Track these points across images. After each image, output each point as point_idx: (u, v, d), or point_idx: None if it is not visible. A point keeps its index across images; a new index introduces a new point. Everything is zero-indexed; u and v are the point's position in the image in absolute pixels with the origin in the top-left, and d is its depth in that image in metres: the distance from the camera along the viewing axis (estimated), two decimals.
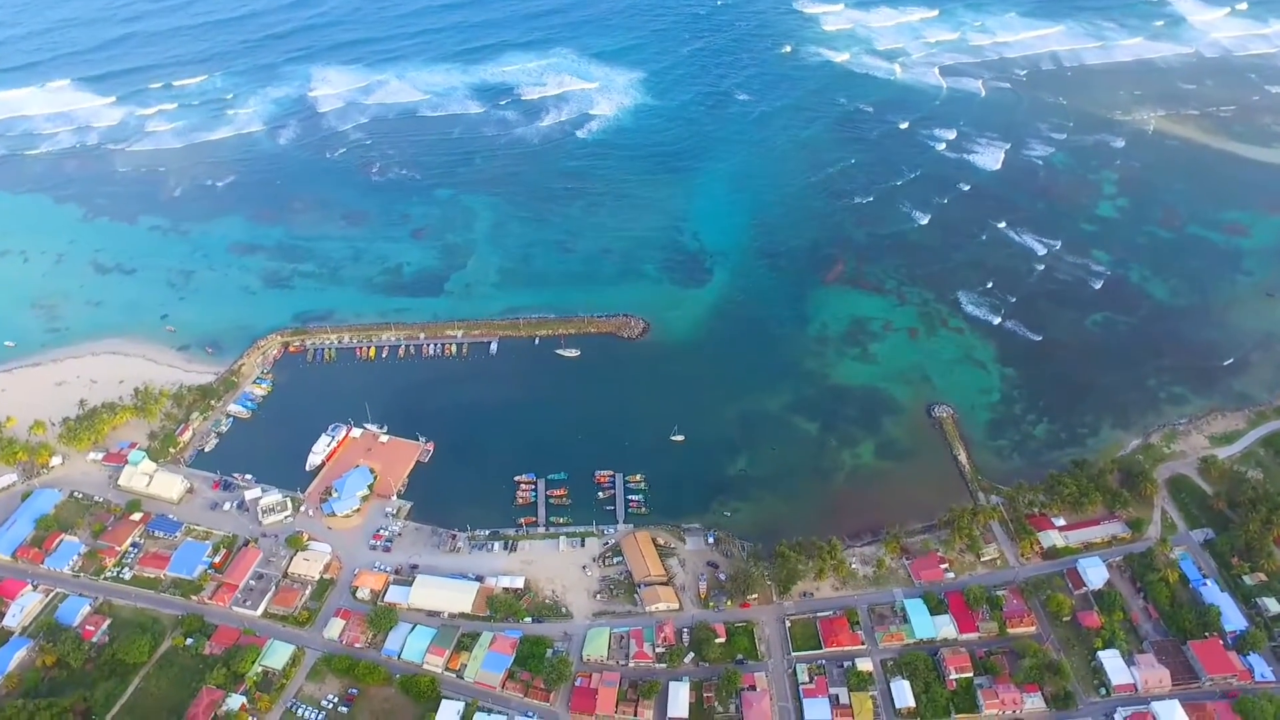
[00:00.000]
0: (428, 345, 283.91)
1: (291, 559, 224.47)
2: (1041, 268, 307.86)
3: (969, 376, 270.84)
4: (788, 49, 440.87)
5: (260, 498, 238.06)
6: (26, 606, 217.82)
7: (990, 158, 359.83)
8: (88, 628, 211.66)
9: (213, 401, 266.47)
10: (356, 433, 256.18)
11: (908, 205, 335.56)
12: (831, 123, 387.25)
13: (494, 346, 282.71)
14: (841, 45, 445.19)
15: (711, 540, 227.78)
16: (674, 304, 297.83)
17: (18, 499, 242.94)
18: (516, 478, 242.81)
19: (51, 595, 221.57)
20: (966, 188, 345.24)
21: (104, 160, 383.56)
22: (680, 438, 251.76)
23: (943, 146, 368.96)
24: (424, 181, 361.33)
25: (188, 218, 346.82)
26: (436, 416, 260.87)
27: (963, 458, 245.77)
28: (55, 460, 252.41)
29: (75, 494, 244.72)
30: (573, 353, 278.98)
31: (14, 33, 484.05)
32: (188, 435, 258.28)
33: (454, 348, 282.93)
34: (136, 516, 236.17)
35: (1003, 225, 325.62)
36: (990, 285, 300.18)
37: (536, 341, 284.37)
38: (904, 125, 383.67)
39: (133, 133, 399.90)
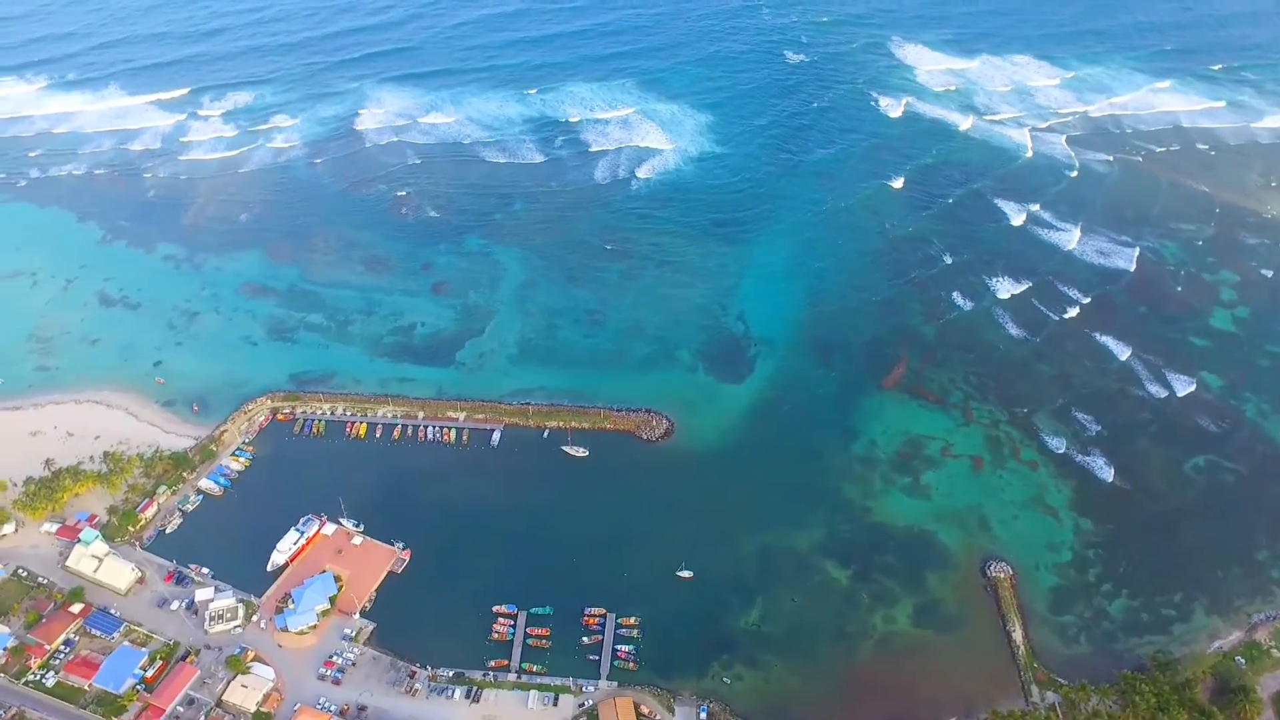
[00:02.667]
0: (425, 428, 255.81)
1: (229, 684, 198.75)
2: (1136, 389, 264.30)
3: (1037, 526, 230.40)
4: (876, 101, 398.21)
5: (211, 600, 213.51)
6: None
7: (1092, 246, 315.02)
8: None
9: (185, 473, 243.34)
10: (329, 529, 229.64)
11: (984, 292, 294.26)
12: (914, 192, 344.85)
13: (496, 436, 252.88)
14: (939, 101, 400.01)
15: (704, 715, 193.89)
16: (706, 401, 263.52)
17: None
18: (495, 608, 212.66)
19: None
20: (1051, 278, 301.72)
21: (136, 177, 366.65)
22: (688, 574, 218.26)
23: (1024, 219, 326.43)
24: (456, 225, 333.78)
25: (205, 248, 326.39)
26: (419, 518, 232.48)
27: (1018, 635, 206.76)
28: (7, 527, 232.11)
29: (19, 571, 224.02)
30: (581, 452, 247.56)
31: (86, 44, 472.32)
32: (150, 512, 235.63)
33: (453, 433, 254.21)
34: (76, 608, 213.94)
35: (1094, 331, 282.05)
36: (1073, 407, 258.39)
37: (545, 434, 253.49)
38: (978, 189, 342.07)
39: (171, 148, 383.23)
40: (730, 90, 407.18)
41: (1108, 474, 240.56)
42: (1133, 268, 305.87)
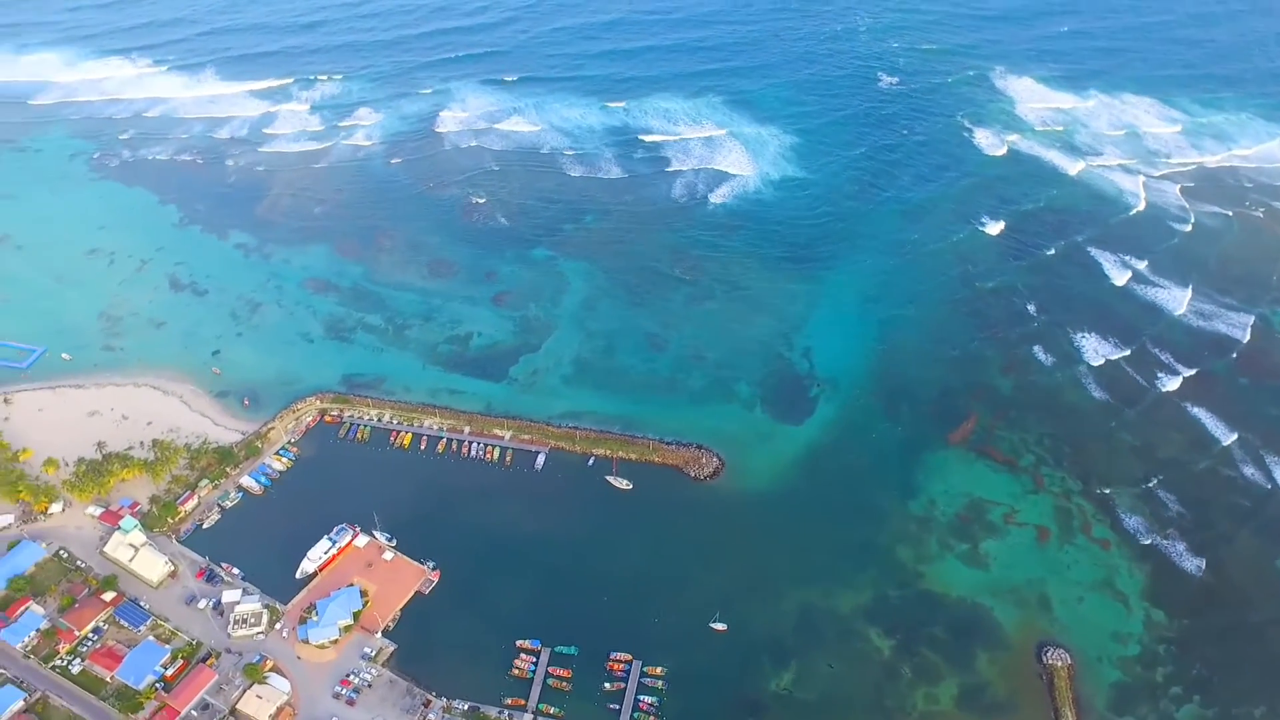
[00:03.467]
0: (470, 444, 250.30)
1: (244, 693, 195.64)
2: (1233, 474, 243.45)
3: (1103, 612, 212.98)
4: (975, 137, 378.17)
5: (237, 603, 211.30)
6: None
7: (1200, 311, 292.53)
8: None
9: (228, 468, 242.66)
10: (362, 541, 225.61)
11: (1073, 353, 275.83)
12: (1009, 239, 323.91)
13: (541, 459, 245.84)
14: (1044, 141, 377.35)
15: None
16: (760, 441, 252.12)
17: (4, 547, 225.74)
18: (519, 642, 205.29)
19: None
20: (1147, 339, 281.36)
21: (219, 163, 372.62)
22: (722, 627, 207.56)
23: (1127, 278, 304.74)
24: (524, 234, 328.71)
25: (276, 239, 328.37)
26: (453, 538, 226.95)
27: None
28: (55, 507, 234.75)
29: (61, 552, 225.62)
30: (625, 484, 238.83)
31: (191, 30, 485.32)
32: (190, 505, 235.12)
33: (497, 452, 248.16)
34: (108, 596, 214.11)
35: (1193, 405, 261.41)
36: (1158, 486, 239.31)
37: (590, 462, 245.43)
38: (1080, 241, 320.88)
39: (255, 137, 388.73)
40: (820, 116, 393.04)
41: (1190, 564, 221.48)
42: (1245, 338, 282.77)
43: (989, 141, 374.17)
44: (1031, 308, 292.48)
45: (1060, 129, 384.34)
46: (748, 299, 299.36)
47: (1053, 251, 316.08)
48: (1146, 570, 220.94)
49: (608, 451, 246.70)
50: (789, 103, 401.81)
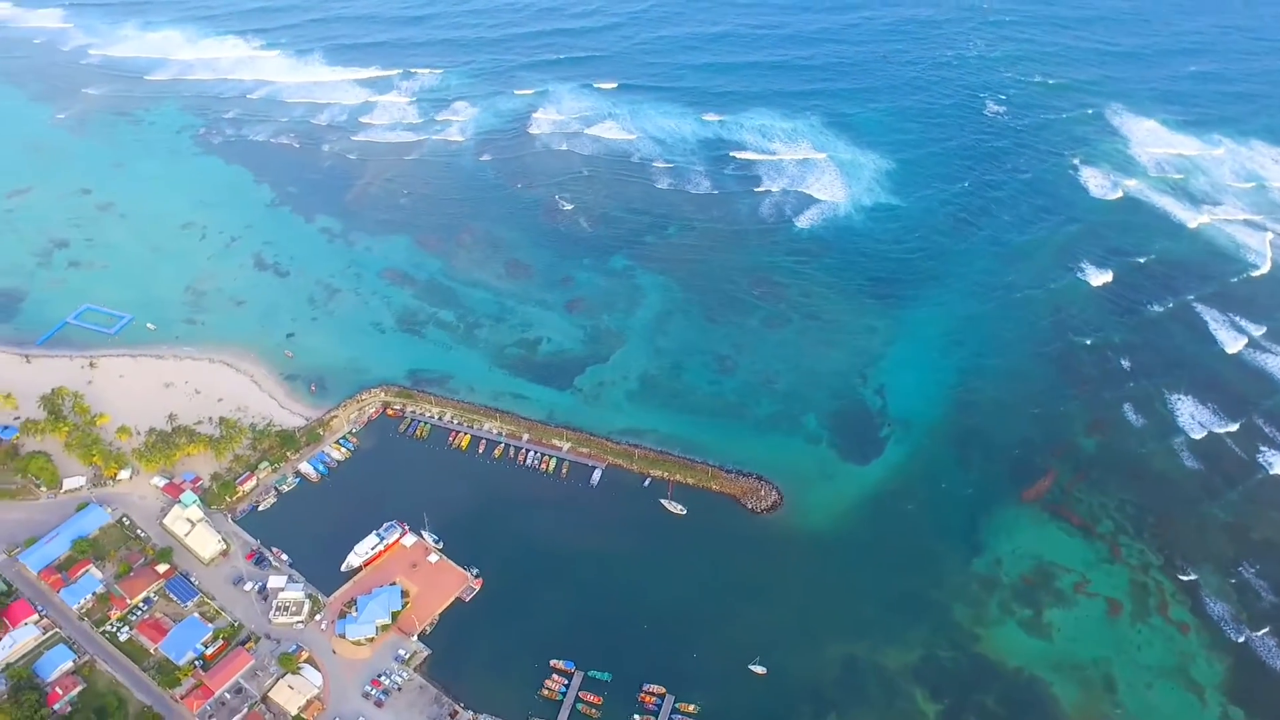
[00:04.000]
0: (527, 452, 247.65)
1: (276, 681, 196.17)
2: None
3: (1174, 702, 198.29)
4: (1086, 179, 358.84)
5: (281, 589, 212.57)
6: (19, 641, 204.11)
7: None
8: (57, 689, 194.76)
9: (289, 453, 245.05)
10: (409, 540, 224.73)
11: (1168, 419, 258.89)
12: (1114, 292, 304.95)
13: (597, 475, 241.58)
14: (1163, 188, 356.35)
15: None
16: (823, 478, 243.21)
17: (72, 509, 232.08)
18: (553, 662, 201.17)
19: (48, 635, 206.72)
20: (1257, 413, 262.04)
21: (315, 147, 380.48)
22: (761, 670, 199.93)
23: (1241, 344, 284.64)
24: (605, 241, 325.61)
25: (359, 226, 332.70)
26: (500, 546, 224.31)
27: None
28: (124, 474, 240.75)
29: (124, 519, 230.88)
30: (679, 509, 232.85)
31: (304, 16, 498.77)
32: (249, 485, 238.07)
33: (553, 463, 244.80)
34: (162, 568, 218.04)
35: None
36: (1250, 571, 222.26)
37: (647, 483, 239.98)
38: (1191, 299, 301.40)
39: (352, 124, 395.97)
40: (922, 145, 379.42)
41: (1277, 659, 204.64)
42: None
43: (1100, 185, 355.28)
44: (1127, 365, 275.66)
45: (1180, 176, 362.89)
46: (825, 328, 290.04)
47: (1159, 309, 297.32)
48: (1229, 662, 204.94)
49: (665, 474, 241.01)
50: (890, 129, 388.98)
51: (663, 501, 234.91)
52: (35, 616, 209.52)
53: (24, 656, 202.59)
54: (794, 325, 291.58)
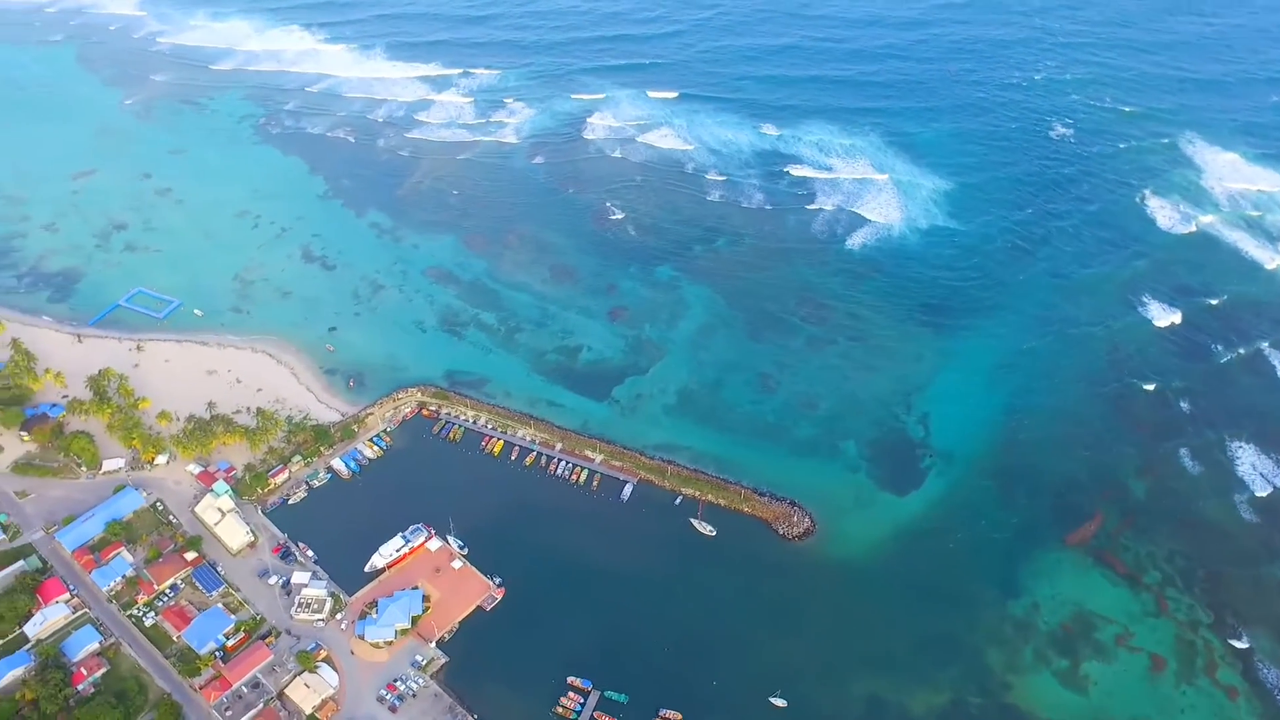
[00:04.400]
0: (559, 461, 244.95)
1: (293, 678, 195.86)
2: None
3: None
4: (1155, 212, 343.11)
5: (305, 585, 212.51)
6: (50, 619, 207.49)
7: None
8: (82, 670, 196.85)
9: (322, 448, 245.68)
10: (434, 544, 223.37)
11: (1229, 469, 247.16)
12: (1180, 335, 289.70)
13: (628, 490, 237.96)
14: (1241, 226, 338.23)
15: None
16: (858, 507, 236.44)
17: (110, 490, 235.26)
18: (571, 679, 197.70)
19: (77, 615, 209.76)
20: None
21: (371, 141, 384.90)
22: (781, 703, 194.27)
23: None
24: (652, 250, 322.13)
25: (408, 223, 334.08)
26: (525, 557, 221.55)
27: None
28: (161, 459, 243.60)
29: (157, 504, 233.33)
30: (709, 530, 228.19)
31: (371, 12, 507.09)
32: (281, 478, 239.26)
33: (584, 475, 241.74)
34: (190, 556, 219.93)
35: None
36: None
37: (678, 501, 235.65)
38: (1264, 346, 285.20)
39: (409, 120, 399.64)
40: (984, 169, 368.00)
41: None
42: None
43: (1171, 218, 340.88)
44: (1188, 410, 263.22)
45: (1258, 213, 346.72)
46: (871, 351, 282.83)
47: (1228, 354, 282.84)
48: None
49: (697, 493, 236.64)
50: (951, 150, 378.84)
51: (693, 521, 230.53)
52: (67, 595, 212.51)
53: (54, 634, 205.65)
54: (839, 347, 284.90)
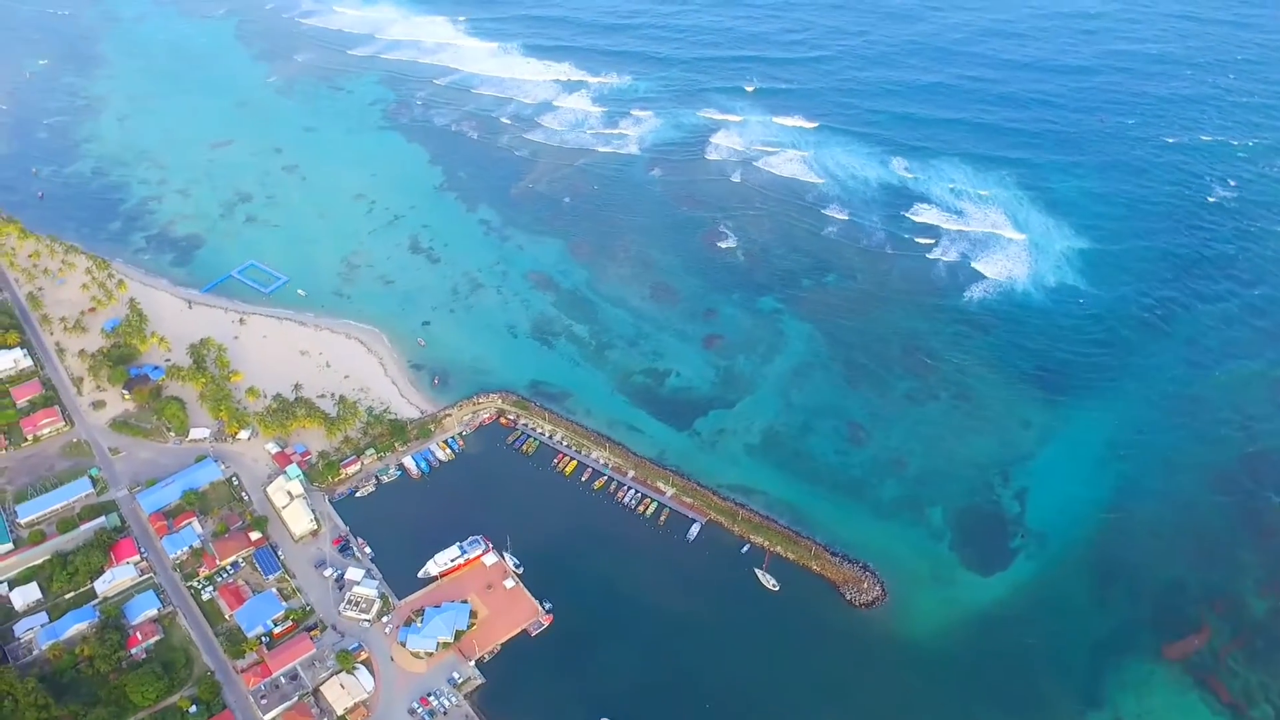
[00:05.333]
0: (629, 489, 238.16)
1: (330, 677, 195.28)
2: None
3: None
4: None
5: (357, 583, 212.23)
6: (118, 579, 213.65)
7: None
8: (138, 634, 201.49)
9: (397, 444, 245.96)
10: (490, 559, 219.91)
11: None
12: None
13: (695, 529, 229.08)
14: None
15: None
16: (936, 581, 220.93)
17: (191, 459, 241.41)
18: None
19: (143, 579, 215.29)
20: None
21: (493, 136, 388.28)
22: None
23: None
24: (757, 278, 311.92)
25: (517, 223, 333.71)
26: (579, 585, 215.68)
27: None
28: (243, 434, 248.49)
29: (233, 479, 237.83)
30: (772, 584, 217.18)
31: (517, 10, 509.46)
32: (353, 469, 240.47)
33: (653, 507, 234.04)
34: (255, 535, 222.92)
35: None
36: None
37: (745, 548, 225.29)
38: None
39: (533, 118, 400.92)
40: (1125, 230, 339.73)
41: None
42: None
43: None
44: None
45: None
46: (974, 413, 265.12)
47: None
48: None
49: (765, 542, 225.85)
50: (1094, 209, 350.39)
51: (757, 572, 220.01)
52: (137, 558, 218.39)
53: (119, 594, 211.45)
54: (940, 403, 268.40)
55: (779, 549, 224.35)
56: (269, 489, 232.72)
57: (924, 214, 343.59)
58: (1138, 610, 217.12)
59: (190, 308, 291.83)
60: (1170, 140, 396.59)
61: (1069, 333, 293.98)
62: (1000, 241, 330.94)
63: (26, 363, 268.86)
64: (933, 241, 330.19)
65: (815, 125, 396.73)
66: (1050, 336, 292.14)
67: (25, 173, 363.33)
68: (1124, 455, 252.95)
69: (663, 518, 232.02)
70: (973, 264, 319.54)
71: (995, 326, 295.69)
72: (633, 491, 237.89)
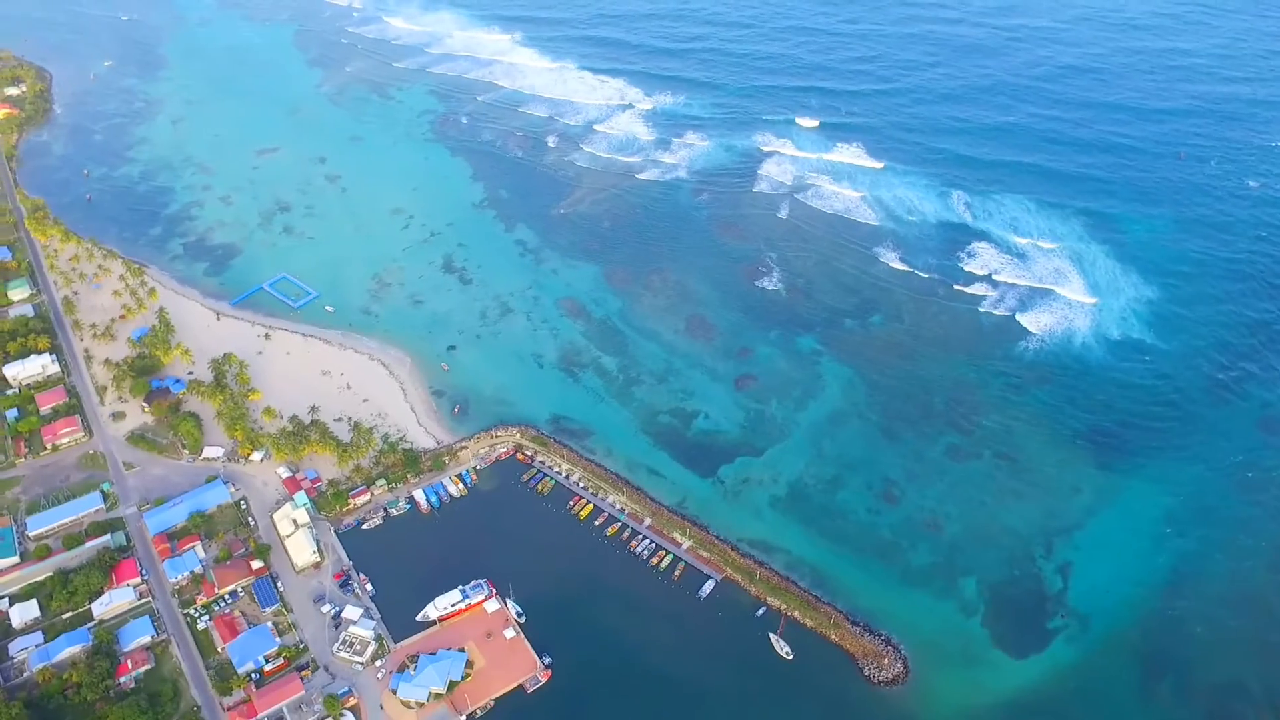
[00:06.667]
0: (642, 538, 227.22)
1: None
2: None
3: None
4: None
5: (354, 622, 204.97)
6: (116, 601, 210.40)
7: None
8: (128, 662, 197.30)
9: (410, 475, 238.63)
10: (492, 606, 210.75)
11: None
12: None
13: (709, 587, 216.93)
14: None
15: None
16: (965, 660, 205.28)
17: (202, 479, 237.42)
18: None
19: (141, 602, 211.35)
20: None
21: (538, 152, 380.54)
22: None
23: None
24: (799, 315, 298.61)
25: (554, 245, 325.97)
26: (580, 639, 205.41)
27: None
28: (256, 455, 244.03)
29: (241, 503, 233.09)
30: (786, 651, 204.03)
31: (572, 30, 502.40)
32: (361, 500, 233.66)
33: (667, 559, 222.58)
34: (256, 564, 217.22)
35: None
36: None
37: (761, 611, 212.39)
38: None
39: (581, 136, 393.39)
40: (1201, 281, 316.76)
41: None
42: None
43: None
44: None
45: None
46: (1019, 474, 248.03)
47: None
48: None
49: (783, 605, 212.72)
50: (1168, 258, 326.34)
51: (771, 637, 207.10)
52: (137, 580, 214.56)
53: (115, 618, 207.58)
54: (983, 462, 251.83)
55: (796, 613, 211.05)
56: (275, 516, 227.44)
57: (981, 257, 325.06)
58: (1189, 710, 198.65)
59: (218, 319, 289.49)
60: (1258, 192, 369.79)
61: (1131, 391, 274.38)
62: (1061, 289, 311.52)
63: (54, 369, 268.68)
64: (988, 287, 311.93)
65: (872, 160, 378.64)
66: (1109, 395, 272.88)
67: (78, 174, 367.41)
68: (1184, 533, 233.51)
69: (677, 572, 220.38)
70: (1029, 312, 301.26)
71: (1049, 381, 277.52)
72: (647, 541, 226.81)
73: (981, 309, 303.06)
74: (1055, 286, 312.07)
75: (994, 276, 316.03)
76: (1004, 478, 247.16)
